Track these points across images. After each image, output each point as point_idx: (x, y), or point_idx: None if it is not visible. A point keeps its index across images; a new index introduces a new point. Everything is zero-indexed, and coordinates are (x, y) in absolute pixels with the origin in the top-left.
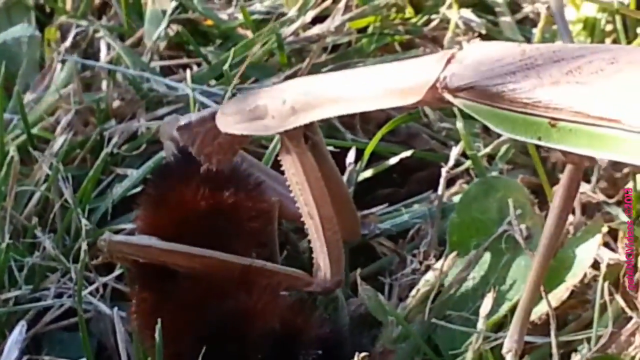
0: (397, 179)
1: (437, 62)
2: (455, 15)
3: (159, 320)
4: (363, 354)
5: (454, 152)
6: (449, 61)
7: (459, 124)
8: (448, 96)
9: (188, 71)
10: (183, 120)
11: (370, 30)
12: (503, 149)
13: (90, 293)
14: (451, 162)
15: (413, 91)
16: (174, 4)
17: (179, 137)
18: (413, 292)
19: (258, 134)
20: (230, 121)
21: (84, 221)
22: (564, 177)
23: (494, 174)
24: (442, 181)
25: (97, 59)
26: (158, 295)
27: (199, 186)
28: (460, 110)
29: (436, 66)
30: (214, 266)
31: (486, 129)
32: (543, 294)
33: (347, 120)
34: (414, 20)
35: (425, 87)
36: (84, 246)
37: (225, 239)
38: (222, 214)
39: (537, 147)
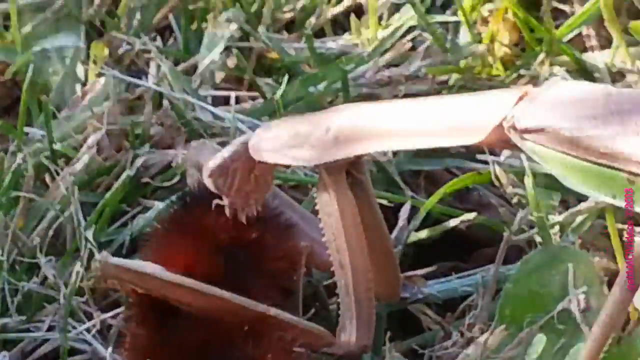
0: (462, 252)
1: (507, 98)
2: (547, 72)
3: None
4: None
5: (520, 214)
6: (521, 98)
7: (528, 181)
8: (515, 137)
9: (232, 99)
10: (213, 162)
11: (451, 82)
12: (578, 219)
13: (89, 330)
14: (515, 226)
15: (476, 129)
16: (233, 26)
17: (213, 186)
18: None
19: (295, 164)
20: (266, 148)
21: (88, 236)
22: (637, 246)
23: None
24: (502, 246)
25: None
26: (154, 334)
27: (220, 217)
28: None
29: (506, 102)
30: (223, 308)
31: (564, 202)
32: None
33: (411, 179)
34: (501, 77)
35: (491, 125)
36: (77, 267)
37: (242, 280)
38: (242, 251)
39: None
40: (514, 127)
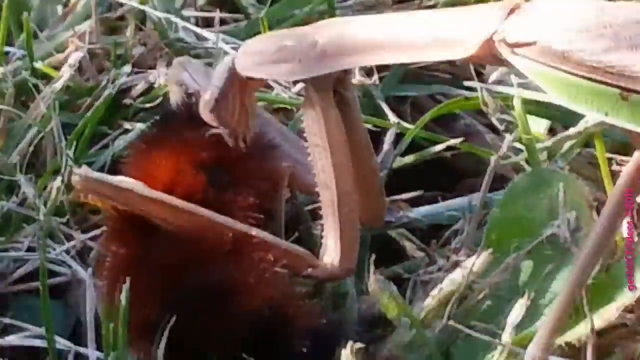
0: (447, 182)
1: (498, 11)
2: None
3: (128, 279)
4: (357, 344)
5: (509, 138)
6: (512, 11)
7: (517, 101)
8: (505, 51)
9: (217, 18)
10: (209, 95)
11: (438, 6)
12: (566, 145)
13: (68, 251)
14: (504, 148)
15: (466, 43)
16: None
17: (216, 120)
18: (434, 291)
19: (280, 79)
20: (252, 62)
21: (69, 153)
22: (629, 166)
23: None
24: (489, 169)
25: None
26: (133, 251)
27: (202, 136)
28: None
29: (496, 15)
30: (204, 227)
31: (552, 131)
32: (586, 309)
33: (396, 106)
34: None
35: (480, 39)
36: (57, 183)
37: (223, 199)
38: (223, 170)
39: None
40: (504, 41)
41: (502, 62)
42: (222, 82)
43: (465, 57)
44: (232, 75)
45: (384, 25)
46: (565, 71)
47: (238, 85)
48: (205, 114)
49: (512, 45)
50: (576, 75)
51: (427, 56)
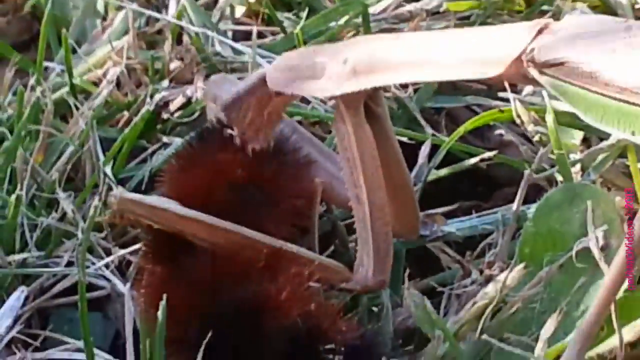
0: (482, 191)
1: (527, 31)
2: (569, 8)
3: (164, 296)
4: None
5: (542, 152)
6: (540, 31)
7: (549, 118)
8: (533, 72)
9: (254, 33)
10: (229, 96)
11: (472, 18)
12: (599, 158)
13: (107, 265)
14: (536, 164)
15: (494, 62)
16: None
17: (225, 117)
18: (468, 305)
19: (311, 95)
20: (283, 78)
21: (108, 171)
22: None
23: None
24: (522, 183)
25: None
26: (169, 269)
27: (237, 154)
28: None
29: (525, 35)
30: (239, 243)
31: (586, 141)
32: (615, 323)
33: (431, 117)
34: (523, 13)
35: (509, 59)
36: (95, 201)
37: (257, 216)
38: (258, 187)
39: None
40: (533, 61)
41: (531, 81)
42: (244, 89)
43: (494, 76)
44: (258, 85)
45: (414, 43)
46: (593, 91)
47: (260, 95)
48: (220, 112)
49: (541, 65)
50: (605, 95)
51: (457, 75)
